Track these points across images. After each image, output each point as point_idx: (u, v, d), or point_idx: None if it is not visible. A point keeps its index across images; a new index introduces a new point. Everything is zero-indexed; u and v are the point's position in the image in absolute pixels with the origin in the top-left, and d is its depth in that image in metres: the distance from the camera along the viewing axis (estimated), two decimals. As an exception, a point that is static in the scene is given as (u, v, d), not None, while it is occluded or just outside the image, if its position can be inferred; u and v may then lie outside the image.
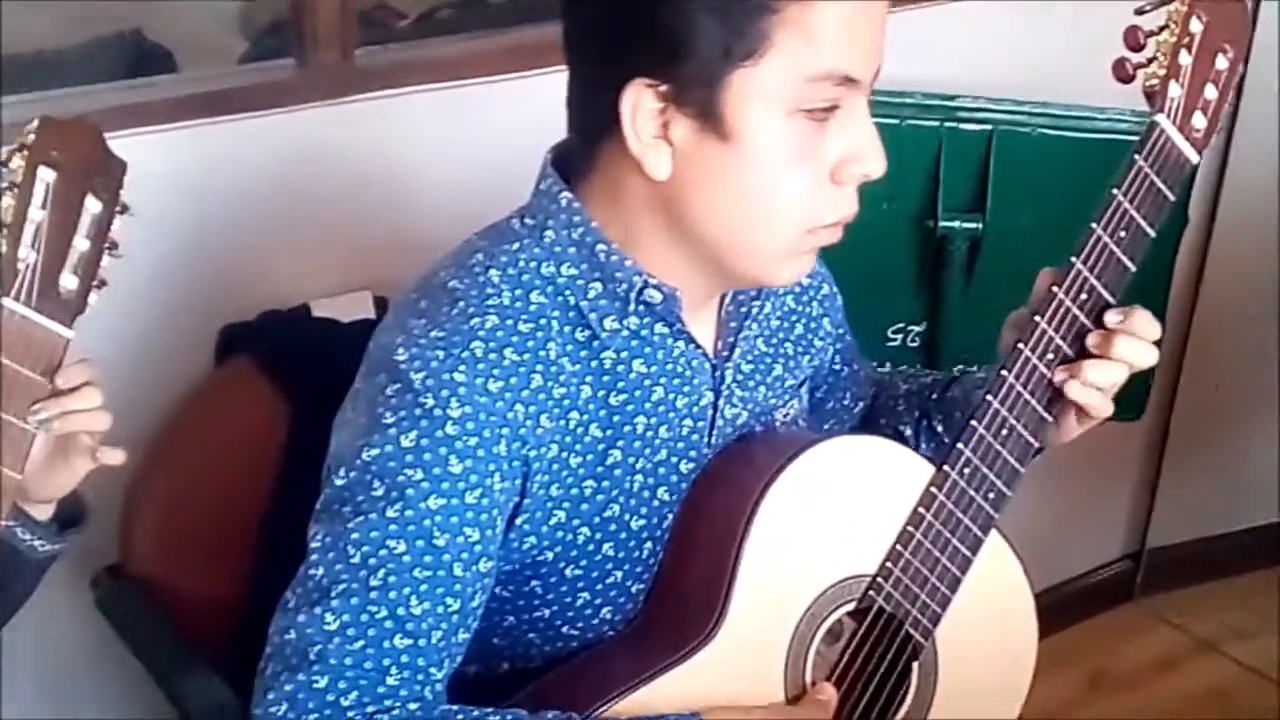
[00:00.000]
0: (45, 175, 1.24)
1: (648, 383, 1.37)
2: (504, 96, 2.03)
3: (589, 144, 1.34)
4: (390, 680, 1.24)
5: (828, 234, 1.33)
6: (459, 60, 2.03)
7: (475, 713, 1.26)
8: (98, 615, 1.77)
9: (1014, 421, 1.42)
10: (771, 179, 1.28)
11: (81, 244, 1.27)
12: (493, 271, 1.34)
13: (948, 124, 2.13)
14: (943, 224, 2.15)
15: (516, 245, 1.36)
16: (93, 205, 1.28)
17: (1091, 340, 1.40)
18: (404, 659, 1.25)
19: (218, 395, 1.86)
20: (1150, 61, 1.41)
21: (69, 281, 1.26)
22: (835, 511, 1.40)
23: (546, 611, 1.40)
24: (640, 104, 1.27)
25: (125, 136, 1.44)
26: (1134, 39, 1.41)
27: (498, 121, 2.03)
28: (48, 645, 1.85)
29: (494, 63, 2.03)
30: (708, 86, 1.25)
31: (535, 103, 2.03)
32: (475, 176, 1.99)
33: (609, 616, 1.41)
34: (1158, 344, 1.43)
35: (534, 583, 1.38)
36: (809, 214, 1.30)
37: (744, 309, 1.45)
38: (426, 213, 1.98)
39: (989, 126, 2.15)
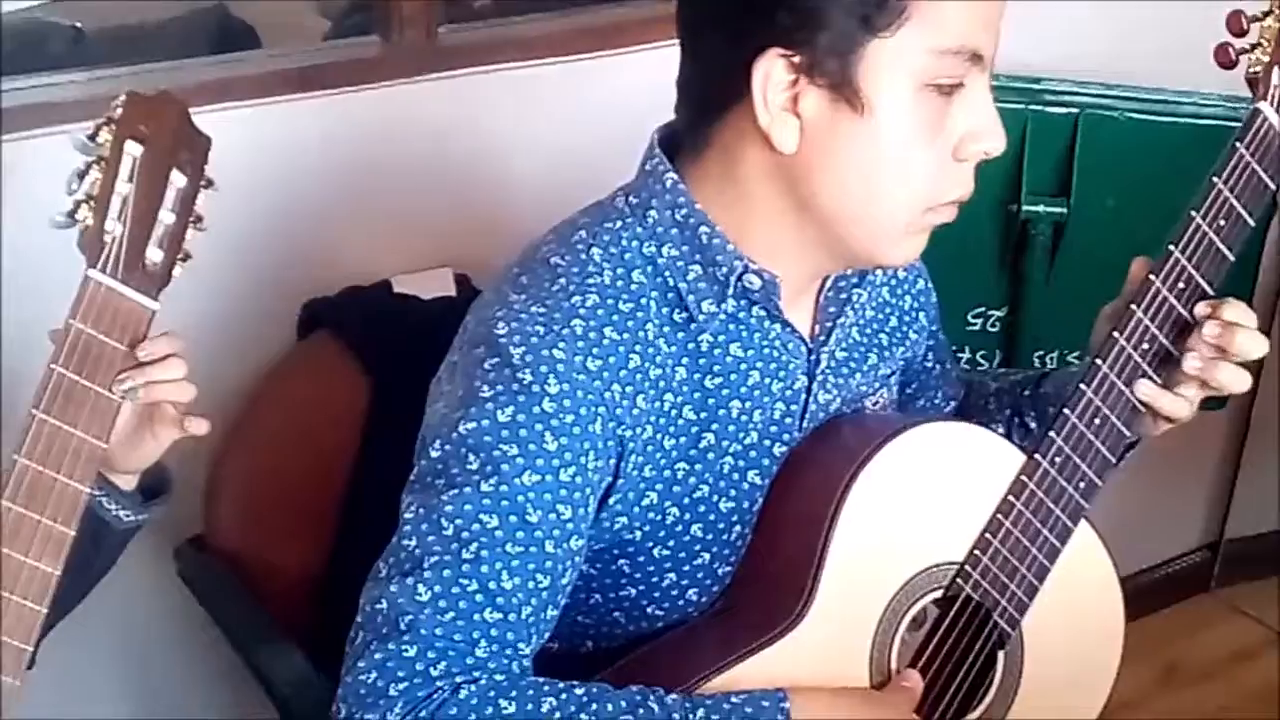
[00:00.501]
0: (132, 149, 1.26)
1: (744, 366, 1.37)
2: (583, 76, 2.03)
3: (704, 122, 1.33)
4: (479, 652, 1.25)
5: (945, 212, 1.32)
6: (539, 39, 2.03)
7: (560, 685, 1.26)
8: (180, 586, 1.79)
9: (1107, 411, 1.41)
10: (900, 152, 1.28)
11: (167, 218, 1.28)
12: (595, 250, 1.34)
13: (1033, 106, 2.11)
14: (1026, 208, 2.13)
15: (619, 224, 1.36)
16: (178, 179, 1.29)
17: (1210, 333, 1.39)
18: (493, 632, 1.25)
19: (300, 370, 1.87)
20: (1254, 48, 1.39)
21: (154, 254, 1.28)
22: (925, 497, 1.39)
23: (633, 591, 1.40)
24: (772, 75, 1.27)
25: (210, 112, 1.45)
26: (1237, 24, 1.39)
27: (577, 101, 2.03)
28: (130, 615, 1.88)
29: (574, 42, 2.03)
30: (843, 57, 1.25)
31: (614, 83, 2.04)
32: (555, 156, 2.00)
33: (695, 598, 1.41)
34: None
35: (621, 562, 1.38)
36: (931, 190, 1.30)
37: (843, 295, 1.44)
38: (507, 191, 1.98)
39: (1075, 109, 2.13)
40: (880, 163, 1.28)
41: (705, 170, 1.34)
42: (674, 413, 1.35)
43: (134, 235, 1.26)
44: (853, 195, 1.30)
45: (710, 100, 1.32)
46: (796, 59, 1.26)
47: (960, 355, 2.25)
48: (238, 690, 1.99)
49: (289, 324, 1.90)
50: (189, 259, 1.32)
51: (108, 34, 2.26)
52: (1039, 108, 2.12)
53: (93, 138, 1.26)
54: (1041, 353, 2.22)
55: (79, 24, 2.22)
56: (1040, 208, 2.13)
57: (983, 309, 2.25)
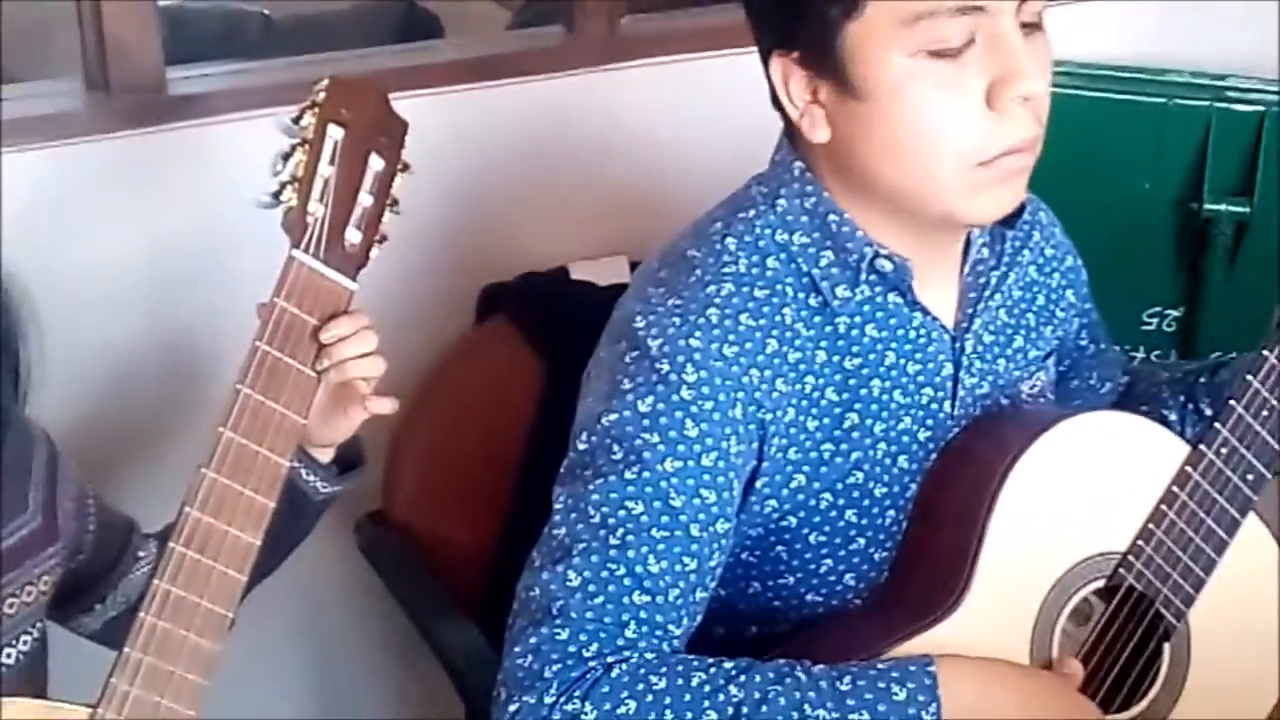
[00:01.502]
0: (334, 133, 1.29)
1: (880, 347, 1.38)
2: (758, 69, 2.03)
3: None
4: (629, 633, 1.27)
5: (1014, 161, 1.31)
6: (720, 30, 2.04)
7: (708, 660, 1.28)
8: (359, 559, 1.83)
9: (1275, 403, 1.39)
10: (913, 123, 1.28)
11: (365, 200, 1.32)
12: (729, 239, 1.37)
13: (1218, 104, 2.08)
14: (1208, 206, 2.10)
15: (753, 212, 1.38)
16: (376, 163, 1.32)
17: None
18: (642, 614, 1.28)
19: (477, 352, 1.91)
20: None
21: (353, 236, 1.31)
22: (1085, 487, 1.38)
23: (791, 579, 1.42)
24: (789, 73, 1.31)
25: (397, 99, 1.49)
26: None
27: (754, 91, 2.04)
28: (311, 586, 1.93)
29: (750, 36, 2.04)
30: (826, 47, 1.28)
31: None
32: (734, 147, 1.99)
33: (852, 583, 1.42)
34: None
35: (779, 548, 1.40)
36: (971, 147, 1.28)
37: (983, 279, 1.44)
38: (685, 180, 2.00)
39: (1261, 108, 2.09)
40: (898, 137, 1.29)
41: (819, 161, 1.37)
42: (815, 395, 1.36)
43: (335, 216, 1.29)
44: (892, 170, 1.30)
45: (774, 99, 1.36)
46: (795, 55, 1.30)
47: (1134, 355, 2.22)
48: (413, 662, 2.04)
49: (468, 307, 1.94)
50: (385, 240, 1.35)
51: (296, 22, 2.32)
52: (1224, 105, 2.09)
53: (297, 121, 1.29)
54: (1218, 354, 2.19)
55: (267, 11, 2.29)
56: (1222, 206, 2.10)
57: (1158, 309, 2.22)
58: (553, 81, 1.93)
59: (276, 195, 1.28)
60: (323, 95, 1.29)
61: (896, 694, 1.26)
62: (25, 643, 1.29)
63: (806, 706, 1.24)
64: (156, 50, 1.75)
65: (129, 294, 1.75)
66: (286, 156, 1.28)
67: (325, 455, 1.43)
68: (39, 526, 1.30)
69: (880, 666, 1.28)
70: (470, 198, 1.93)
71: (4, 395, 1.10)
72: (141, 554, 1.45)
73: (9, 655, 1.27)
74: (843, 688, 1.26)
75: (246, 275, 1.64)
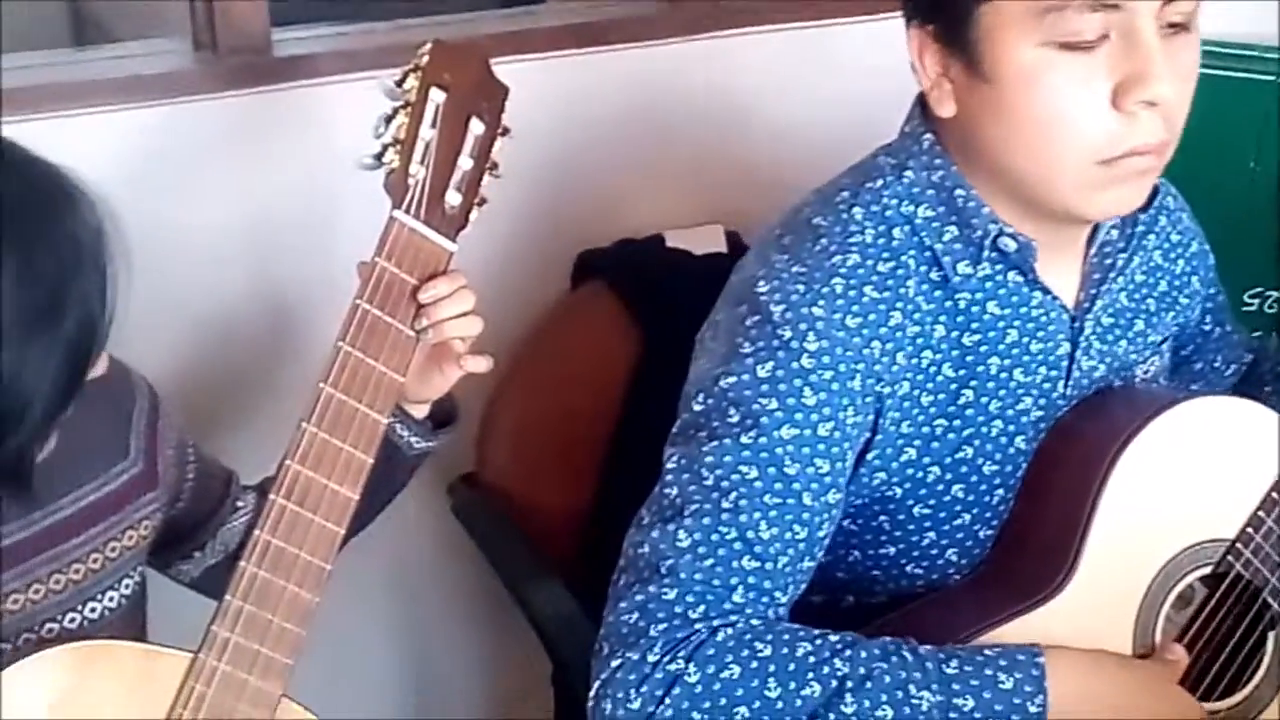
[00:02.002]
0: (436, 96, 1.31)
1: (1001, 324, 1.37)
2: (858, 39, 2.03)
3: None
4: (736, 598, 1.28)
5: (1138, 162, 1.29)
6: (821, 2, 2.03)
7: (815, 631, 1.29)
8: (452, 521, 1.85)
9: None
10: (1038, 113, 1.27)
11: (465, 163, 1.33)
12: (856, 209, 1.36)
13: (1320, 82, 2.05)
14: (1314, 187, 2.07)
15: (880, 182, 1.38)
16: (476, 127, 1.34)
17: None
18: (750, 579, 1.28)
19: (573, 317, 1.92)
20: None
21: (453, 198, 1.33)
22: (1195, 472, 1.38)
23: (892, 549, 1.42)
24: (924, 45, 1.31)
25: (500, 64, 1.50)
26: None
27: (853, 63, 2.03)
28: (404, 547, 1.96)
29: (856, 3, 2.03)
30: (961, 27, 1.27)
31: (896, 43, 2.04)
32: (832, 118, 2.00)
33: (954, 559, 1.42)
34: None
35: (881, 518, 1.40)
36: (1094, 144, 1.27)
37: (1109, 261, 1.43)
38: (782, 151, 2.00)
39: (1371, 87, 2.06)
40: (1020, 124, 1.28)
41: (947, 135, 1.36)
42: (932, 369, 1.36)
43: (436, 179, 1.31)
44: (1012, 155, 1.30)
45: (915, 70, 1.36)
46: (931, 29, 1.30)
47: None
48: (503, 623, 2.06)
49: (564, 272, 1.95)
50: (484, 203, 1.36)
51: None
52: (1328, 83, 2.06)
53: (400, 84, 1.31)
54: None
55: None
56: (1329, 187, 2.07)
57: (1260, 290, 2.19)
58: (654, 49, 1.94)
59: (379, 157, 1.30)
60: (425, 59, 1.31)
61: (1003, 682, 1.26)
62: (127, 586, 1.32)
63: (911, 687, 1.25)
64: (263, 12, 1.77)
65: (232, 250, 1.78)
66: (389, 119, 1.31)
67: (420, 411, 1.45)
68: (139, 473, 1.34)
69: (988, 653, 1.28)
70: (568, 164, 1.94)
71: (96, 312, 1.12)
72: (240, 504, 1.48)
73: (110, 598, 1.30)
74: (949, 671, 1.26)
75: (347, 235, 1.67)
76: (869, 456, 1.36)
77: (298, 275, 1.81)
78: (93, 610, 1.29)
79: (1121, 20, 1.24)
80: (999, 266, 1.36)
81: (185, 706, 1.19)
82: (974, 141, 1.32)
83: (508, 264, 1.90)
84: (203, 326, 1.79)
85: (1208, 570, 1.39)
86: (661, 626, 1.26)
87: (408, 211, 1.30)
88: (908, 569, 1.42)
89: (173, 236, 1.73)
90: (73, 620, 1.27)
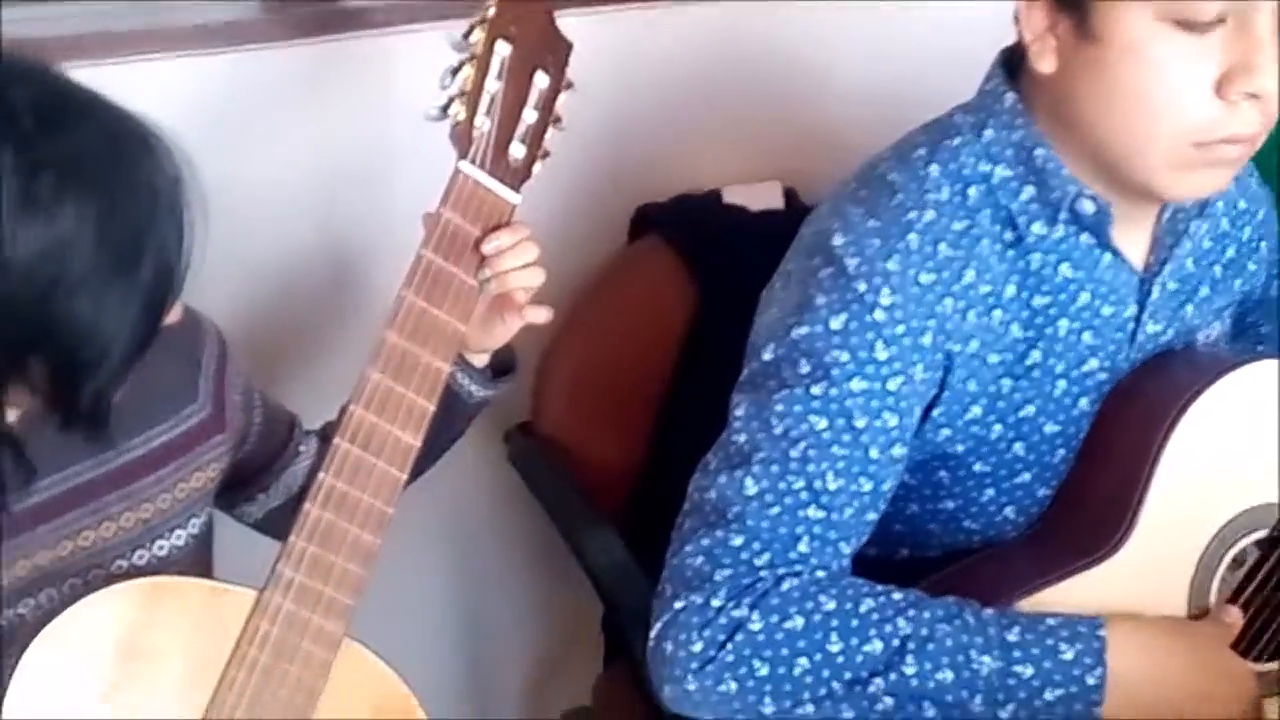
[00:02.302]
0: (502, 49, 1.32)
1: (1073, 287, 1.38)
2: (932, 18, 2.02)
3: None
4: (801, 547, 1.29)
5: (1230, 150, 1.29)
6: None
7: (879, 588, 1.30)
8: (508, 469, 1.87)
9: None
10: (1140, 85, 1.26)
11: (529, 116, 1.35)
12: (933, 167, 1.37)
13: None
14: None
15: (958, 140, 1.38)
16: (541, 80, 1.35)
17: None
18: (815, 529, 1.30)
19: (629, 270, 1.93)
20: None
21: (517, 150, 1.34)
22: (1255, 435, 1.38)
23: (950, 504, 1.43)
24: None
25: (564, 17, 1.51)
26: None
27: (925, 40, 2.03)
28: (460, 494, 1.98)
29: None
30: None
31: (956, 30, 2.03)
32: (895, 82, 2.00)
33: (1012, 516, 1.43)
34: None
35: (941, 474, 1.42)
36: (1191, 125, 1.27)
37: (1180, 226, 1.43)
38: (844, 112, 1.99)
39: None
40: (1121, 94, 1.27)
41: (1036, 93, 1.36)
42: (1001, 328, 1.36)
43: (501, 131, 1.33)
44: (1107, 124, 1.29)
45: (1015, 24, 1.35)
46: None
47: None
48: (555, 569, 2.09)
49: (621, 225, 1.96)
50: (548, 156, 1.38)
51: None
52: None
53: (466, 36, 1.32)
54: None
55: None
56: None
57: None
58: (717, 5, 1.94)
59: (444, 108, 1.32)
60: (492, 12, 1.31)
61: (1064, 653, 1.27)
62: (194, 526, 1.35)
63: (972, 651, 1.26)
64: (330, -39, 1.79)
65: (295, 199, 1.79)
66: (455, 71, 1.32)
67: (480, 360, 1.47)
68: (208, 416, 1.36)
69: (1050, 622, 1.29)
70: (628, 118, 1.94)
71: (173, 260, 1.14)
72: (303, 448, 1.51)
73: (178, 537, 1.33)
74: (1010, 638, 1.27)
75: (410, 185, 1.68)
76: (934, 413, 1.37)
77: (361, 224, 1.83)
78: (161, 548, 1.32)
79: (1240, 9, 1.24)
80: (1073, 229, 1.36)
81: (251, 643, 1.21)
82: (1068, 103, 1.31)
83: (566, 216, 1.91)
84: (267, 272, 1.81)
85: (1264, 533, 1.40)
86: (727, 572, 1.28)
87: (473, 163, 1.31)
88: (965, 524, 1.44)
89: (236, 184, 1.73)
90: (141, 557, 1.30)
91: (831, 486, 1.30)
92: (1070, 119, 1.32)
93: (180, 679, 1.20)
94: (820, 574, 1.29)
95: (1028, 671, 1.26)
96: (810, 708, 1.27)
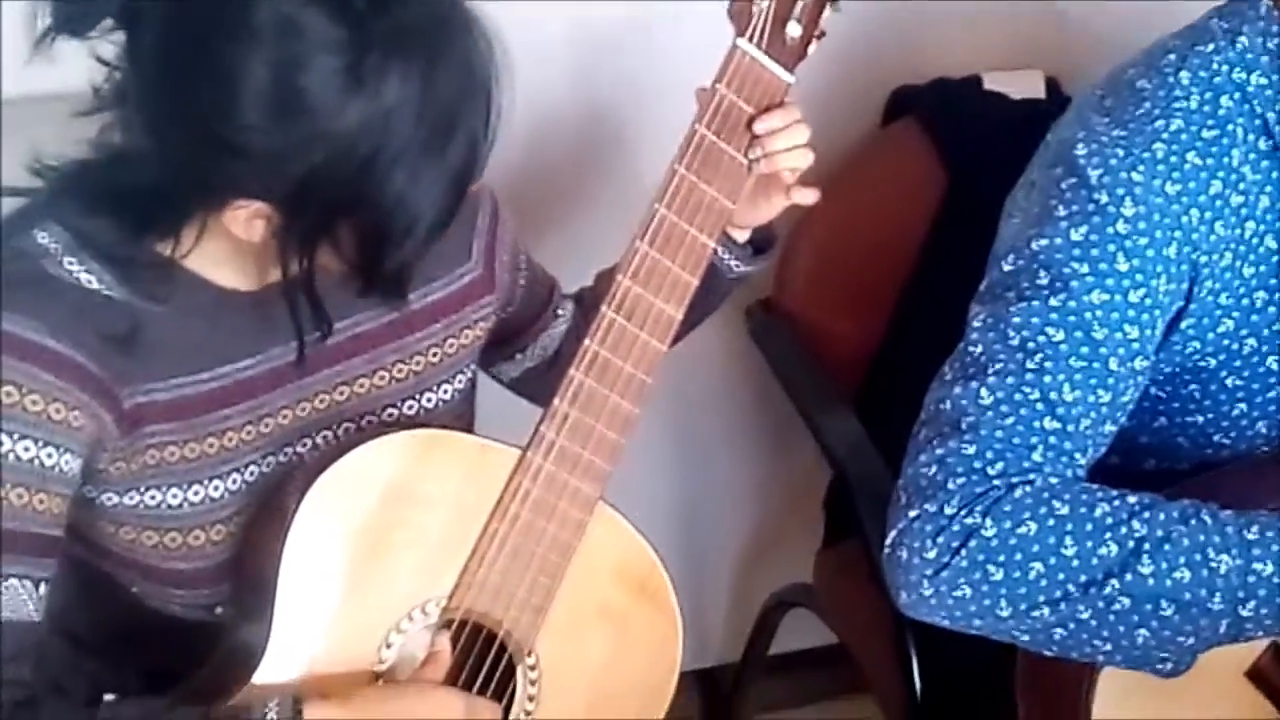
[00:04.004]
0: (768, -73, 1.31)
1: None
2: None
3: None
4: (1035, 457, 1.29)
5: None
6: None
7: (1113, 491, 1.30)
8: (747, 343, 1.90)
9: None
10: None
11: (808, -4, 1.34)
12: (1183, 73, 1.34)
13: None
14: None
15: (1211, 47, 1.35)
16: (817, -40, 1.34)
17: None
18: (1050, 440, 1.29)
19: (882, 153, 1.93)
20: None
21: (793, 30, 1.33)
22: None
23: (1200, 418, 1.42)
24: None
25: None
26: None
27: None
28: (696, 365, 2.01)
29: None
30: None
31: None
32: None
33: (1264, 430, 1.41)
34: None
35: (1192, 387, 1.40)
36: None
37: None
38: (1112, 4, 1.95)
39: None
40: None
41: None
42: (1254, 241, 1.34)
43: (779, 9, 1.31)
44: None
45: None
46: None
47: None
48: (781, 446, 2.12)
49: (877, 107, 1.95)
50: (823, 36, 1.37)
51: None
52: None
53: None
54: None
55: None
56: None
57: None
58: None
59: (726, -14, 1.32)
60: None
61: None
62: (460, 381, 1.40)
63: (1210, 550, 1.26)
64: None
65: (554, 54, 1.80)
66: (736, -52, 1.31)
67: (742, 236, 1.48)
68: (479, 276, 1.40)
69: None
70: (889, -2, 1.93)
71: (480, 137, 1.17)
72: (560, 312, 1.54)
73: (445, 391, 1.38)
74: (1249, 536, 1.26)
75: (669, 53, 1.69)
76: (1183, 325, 1.35)
77: (619, 87, 1.84)
78: (429, 400, 1.37)
79: None
80: None
81: (513, 499, 1.26)
82: None
83: (824, 96, 1.90)
84: (522, 130, 1.82)
85: None
86: (960, 481, 1.28)
87: (750, 41, 1.31)
88: (1215, 438, 1.42)
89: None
90: (410, 407, 1.35)
91: (1068, 397, 1.29)
92: None
93: (445, 528, 1.25)
94: (1054, 480, 1.29)
95: (1267, 569, 1.25)
96: (1046, 610, 1.28)
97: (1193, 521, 1.27)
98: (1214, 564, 1.26)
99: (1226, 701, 1.37)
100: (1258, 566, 1.25)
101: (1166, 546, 1.26)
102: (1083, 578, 1.27)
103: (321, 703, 1.18)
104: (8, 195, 1.22)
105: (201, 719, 1.17)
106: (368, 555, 1.23)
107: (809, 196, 1.42)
